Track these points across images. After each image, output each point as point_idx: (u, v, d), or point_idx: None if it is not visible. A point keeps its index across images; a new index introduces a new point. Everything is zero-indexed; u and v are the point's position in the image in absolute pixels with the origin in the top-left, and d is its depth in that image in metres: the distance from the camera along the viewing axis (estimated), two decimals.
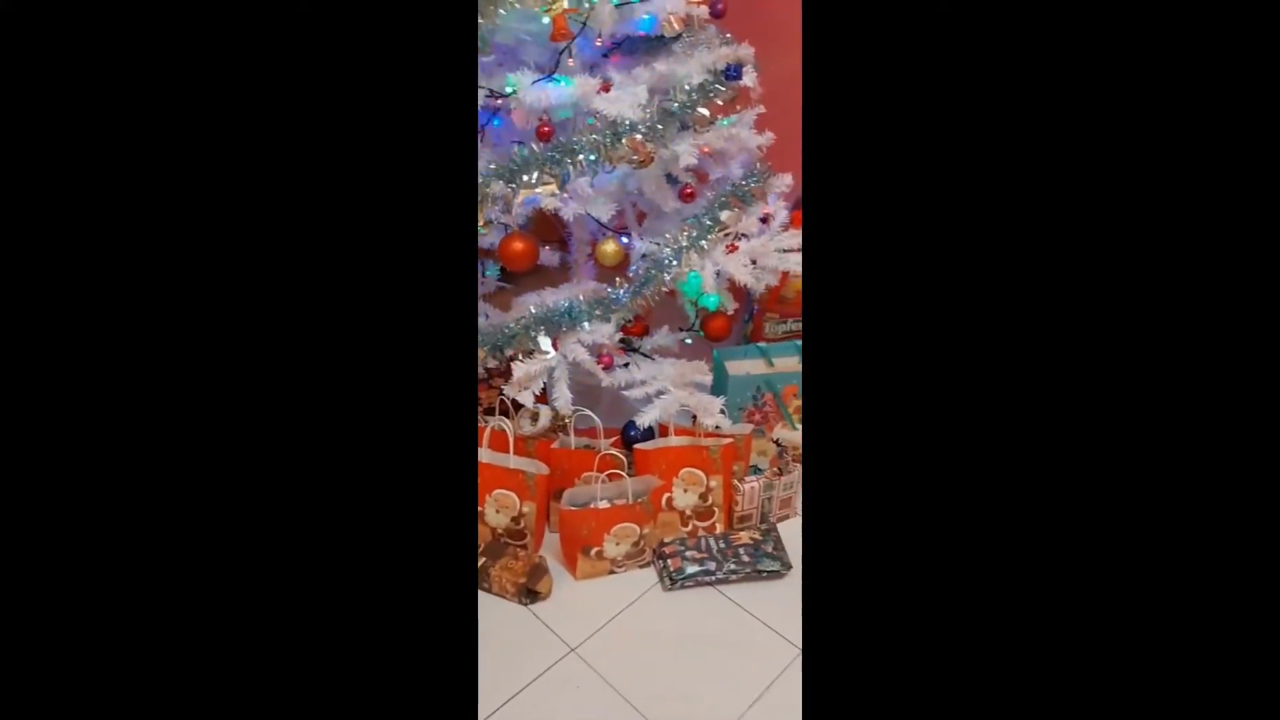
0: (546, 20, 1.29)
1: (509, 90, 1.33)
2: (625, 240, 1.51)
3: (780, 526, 1.57)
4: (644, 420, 1.48)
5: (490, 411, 1.60)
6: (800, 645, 1.33)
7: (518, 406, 1.54)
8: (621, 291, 1.46)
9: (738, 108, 1.53)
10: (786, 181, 1.65)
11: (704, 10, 1.37)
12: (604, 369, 1.48)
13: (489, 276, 1.77)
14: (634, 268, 1.48)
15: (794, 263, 1.60)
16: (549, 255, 1.83)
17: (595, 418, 1.50)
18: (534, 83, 1.29)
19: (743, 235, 1.53)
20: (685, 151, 1.38)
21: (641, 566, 1.48)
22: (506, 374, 1.50)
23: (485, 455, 1.47)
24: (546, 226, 1.70)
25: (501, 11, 1.24)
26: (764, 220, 1.57)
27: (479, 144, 1.48)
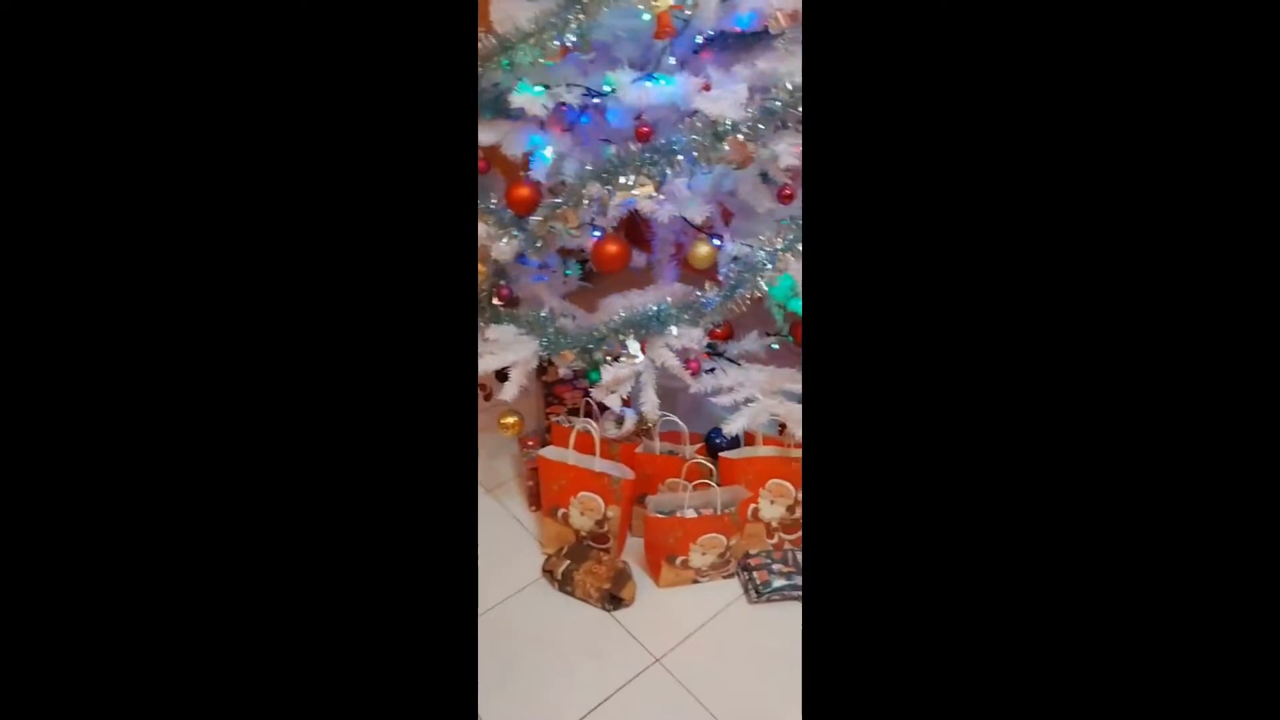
0: (647, 17, 1.26)
1: (607, 88, 1.31)
2: (717, 242, 1.47)
3: None
4: (731, 428, 1.44)
5: (575, 412, 1.58)
6: None
7: (603, 408, 1.52)
8: (712, 295, 1.43)
9: None
10: None
11: None
12: (691, 374, 1.45)
13: (570, 276, 1.76)
14: (724, 270, 1.45)
15: None
16: (634, 257, 1.80)
17: (680, 423, 1.48)
18: (633, 81, 1.27)
19: None
20: (784, 151, 1.33)
21: (725, 577, 1.45)
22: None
23: (571, 457, 1.46)
24: (630, 228, 1.67)
25: (605, 9, 1.22)
26: None
27: (571, 143, 1.46)
